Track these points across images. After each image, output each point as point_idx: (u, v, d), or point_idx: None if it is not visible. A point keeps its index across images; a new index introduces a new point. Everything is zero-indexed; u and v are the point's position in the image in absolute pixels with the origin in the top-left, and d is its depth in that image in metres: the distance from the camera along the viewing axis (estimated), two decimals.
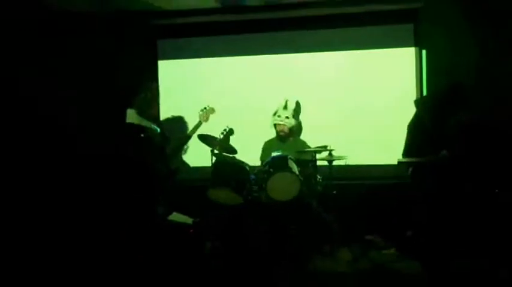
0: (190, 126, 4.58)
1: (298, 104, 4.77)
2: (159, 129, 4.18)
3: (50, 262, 3.82)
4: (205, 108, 4.58)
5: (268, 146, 4.73)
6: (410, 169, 4.11)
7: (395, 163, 4.10)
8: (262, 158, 4.68)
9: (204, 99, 4.73)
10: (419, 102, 4.23)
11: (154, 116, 4.17)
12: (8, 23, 4.83)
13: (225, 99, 4.94)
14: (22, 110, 5.02)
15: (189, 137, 4.51)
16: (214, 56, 5.21)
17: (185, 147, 4.77)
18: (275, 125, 4.66)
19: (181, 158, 4.72)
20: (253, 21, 5.13)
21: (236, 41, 5.17)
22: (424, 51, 4.84)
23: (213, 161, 4.35)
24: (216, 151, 4.41)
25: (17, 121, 4.96)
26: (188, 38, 5.26)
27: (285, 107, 4.62)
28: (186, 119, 4.98)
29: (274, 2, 4.88)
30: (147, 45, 5.22)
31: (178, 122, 4.99)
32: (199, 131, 4.48)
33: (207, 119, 4.54)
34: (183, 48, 5.27)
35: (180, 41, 5.29)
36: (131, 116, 4.05)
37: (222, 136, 4.59)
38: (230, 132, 4.67)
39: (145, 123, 4.03)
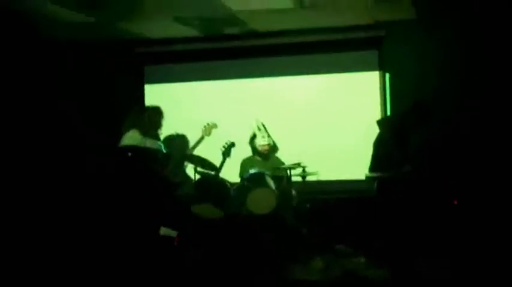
0: (190, 143, 4.78)
1: (264, 125, 4.99)
2: (163, 146, 4.37)
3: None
4: (208, 124, 4.72)
5: (247, 163, 4.94)
6: (376, 183, 4.37)
7: (363, 178, 4.39)
8: (241, 175, 4.91)
9: (190, 119, 4.99)
10: (382, 123, 4.51)
11: (157, 136, 4.33)
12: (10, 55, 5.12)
13: (204, 120, 4.92)
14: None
15: (192, 153, 4.62)
16: (197, 80, 5.57)
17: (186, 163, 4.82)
18: (258, 146, 4.87)
19: (184, 173, 4.80)
20: (230, 48, 5.46)
21: (215, 67, 5.53)
22: (388, 75, 5.16)
23: (197, 178, 4.61)
24: (199, 169, 4.64)
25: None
26: (173, 64, 5.58)
27: (259, 129, 4.90)
28: (186, 135, 5.08)
29: (249, 31, 5.22)
30: (136, 71, 5.57)
31: (176, 139, 5.05)
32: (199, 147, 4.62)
33: (209, 134, 4.69)
34: (167, 73, 5.60)
35: (165, 67, 5.62)
36: (134, 136, 4.18)
37: (223, 149, 4.73)
38: (232, 145, 4.78)
39: (149, 142, 4.21)
